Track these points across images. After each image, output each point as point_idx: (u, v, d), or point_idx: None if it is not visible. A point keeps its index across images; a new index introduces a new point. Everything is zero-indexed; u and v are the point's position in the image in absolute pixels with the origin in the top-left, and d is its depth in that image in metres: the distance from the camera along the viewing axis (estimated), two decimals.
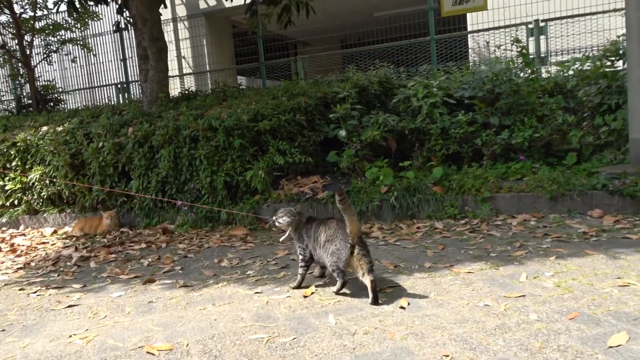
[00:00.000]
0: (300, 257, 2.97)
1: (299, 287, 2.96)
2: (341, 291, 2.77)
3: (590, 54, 5.68)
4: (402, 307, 2.50)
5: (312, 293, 2.85)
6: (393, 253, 3.55)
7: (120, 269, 3.89)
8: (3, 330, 2.77)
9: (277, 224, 2.96)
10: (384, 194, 4.61)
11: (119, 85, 10.36)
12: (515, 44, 5.41)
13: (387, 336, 2.20)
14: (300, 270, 2.97)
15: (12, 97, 10.04)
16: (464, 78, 5.71)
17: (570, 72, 5.48)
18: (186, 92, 7.52)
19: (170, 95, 7.00)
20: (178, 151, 5.24)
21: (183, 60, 10.78)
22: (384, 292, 2.76)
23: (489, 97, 5.20)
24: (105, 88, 10.77)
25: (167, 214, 5.41)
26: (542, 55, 7.15)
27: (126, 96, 10.08)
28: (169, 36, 10.11)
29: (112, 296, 3.20)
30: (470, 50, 7.85)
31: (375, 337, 2.20)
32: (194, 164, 5.18)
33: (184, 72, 10.68)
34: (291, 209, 2.96)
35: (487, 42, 7.32)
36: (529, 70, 5.37)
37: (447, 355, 1.97)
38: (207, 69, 10.45)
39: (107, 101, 10.32)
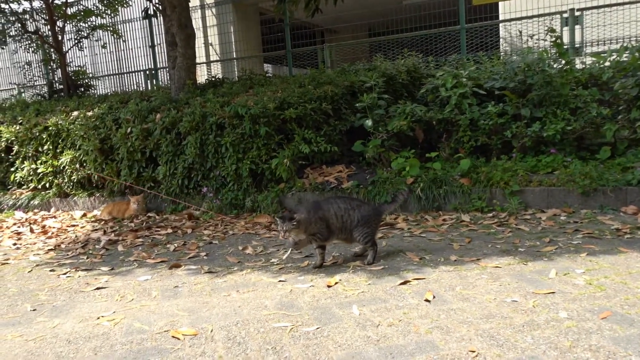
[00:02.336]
0: (319, 240, 3.12)
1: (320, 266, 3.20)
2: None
3: (629, 45, 5.48)
4: (427, 300, 2.47)
5: (336, 283, 2.84)
6: (418, 245, 3.51)
7: (147, 253, 3.95)
8: (34, 310, 2.84)
9: (290, 240, 3.10)
10: (409, 184, 4.56)
11: (147, 72, 10.48)
12: (549, 33, 5.25)
13: (411, 329, 2.17)
14: (319, 251, 3.19)
15: (45, 82, 10.24)
16: (495, 68, 5.58)
17: (607, 64, 5.30)
18: (213, 79, 7.55)
19: (197, 82, 7.03)
20: (204, 138, 5.28)
21: (210, 47, 10.82)
22: (409, 284, 2.73)
23: (520, 88, 5.07)
24: (134, 74, 10.90)
25: (193, 200, 5.46)
26: (576, 45, 6.93)
27: (154, 83, 10.19)
28: (196, 23, 10.15)
29: (139, 280, 3.25)
30: (501, 40, 7.66)
31: (399, 329, 2.18)
32: (220, 151, 5.20)
33: (211, 59, 10.73)
34: (292, 224, 3.00)
35: (520, 32, 7.12)
36: (563, 61, 5.21)
37: (474, 351, 1.94)
38: (234, 56, 10.47)
39: (135, 87, 10.44)
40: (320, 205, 3.14)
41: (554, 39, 5.21)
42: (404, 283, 2.74)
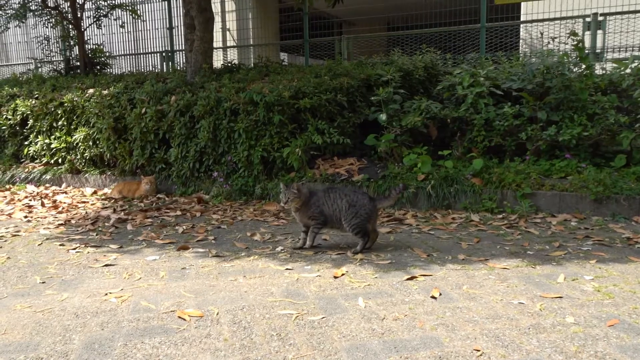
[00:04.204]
0: (315, 221, 3.32)
1: (312, 245, 3.40)
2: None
3: None
4: (433, 297, 2.47)
5: (343, 274, 2.85)
6: (426, 242, 3.51)
7: (155, 233, 3.98)
8: (43, 283, 2.88)
9: (286, 206, 3.32)
10: (420, 181, 4.55)
11: (164, 54, 10.49)
12: (571, 37, 5.18)
13: (416, 324, 2.18)
14: (315, 230, 3.36)
15: (62, 59, 10.29)
16: (513, 69, 5.53)
17: (627, 71, 5.23)
18: (229, 64, 7.55)
19: (214, 66, 7.04)
20: (218, 123, 5.30)
21: (228, 32, 10.80)
22: (416, 280, 2.73)
23: (538, 90, 5.03)
24: (150, 55, 10.92)
25: (203, 184, 5.49)
26: (597, 51, 6.84)
27: (170, 65, 10.20)
28: (215, 7, 10.10)
29: (147, 259, 3.28)
30: (521, 41, 7.58)
31: (404, 324, 2.18)
32: (233, 137, 5.22)
33: (228, 44, 10.71)
34: (294, 192, 3.26)
35: (541, 34, 7.04)
36: (583, 66, 5.15)
37: (478, 350, 1.94)
38: (251, 43, 10.45)
39: (151, 68, 10.45)
40: (316, 192, 3.36)
41: (575, 42, 5.15)
42: (411, 279, 2.74)
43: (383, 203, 3.39)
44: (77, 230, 4.16)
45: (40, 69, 10.56)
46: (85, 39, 9.15)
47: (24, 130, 6.85)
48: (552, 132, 4.63)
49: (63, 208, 5.12)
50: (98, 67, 9.30)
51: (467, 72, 5.31)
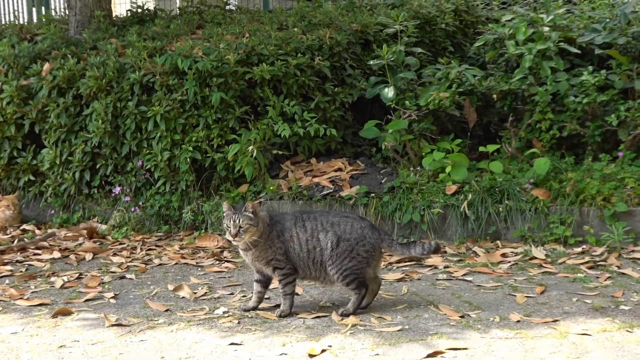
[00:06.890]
0: (280, 270, 3.26)
1: (289, 313, 3.30)
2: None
3: None
4: None
5: (324, 350, 2.85)
6: (460, 294, 3.54)
7: (17, 290, 3.94)
8: None
9: (237, 241, 3.23)
10: (451, 196, 4.59)
11: None
12: None
13: None
14: (287, 290, 3.30)
15: None
16: (596, 13, 5.62)
17: None
18: (139, 10, 7.54)
19: (114, 14, 7.02)
20: (120, 106, 5.30)
21: None
22: (442, 356, 2.75)
23: (636, 46, 5.11)
24: None
25: (98, 206, 5.47)
26: None
27: (43, 11, 10.15)
28: None
29: (3, 333, 3.24)
30: None
31: None
32: (145, 129, 5.23)
33: None
34: (249, 219, 3.19)
35: None
36: None
37: None
38: None
39: (11, 18, 10.39)
40: (281, 218, 3.38)
41: None
42: (433, 355, 2.75)
43: (396, 249, 3.39)
44: None
45: None
46: None
47: None
48: None
49: None
50: None
51: (522, 19, 5.37)
